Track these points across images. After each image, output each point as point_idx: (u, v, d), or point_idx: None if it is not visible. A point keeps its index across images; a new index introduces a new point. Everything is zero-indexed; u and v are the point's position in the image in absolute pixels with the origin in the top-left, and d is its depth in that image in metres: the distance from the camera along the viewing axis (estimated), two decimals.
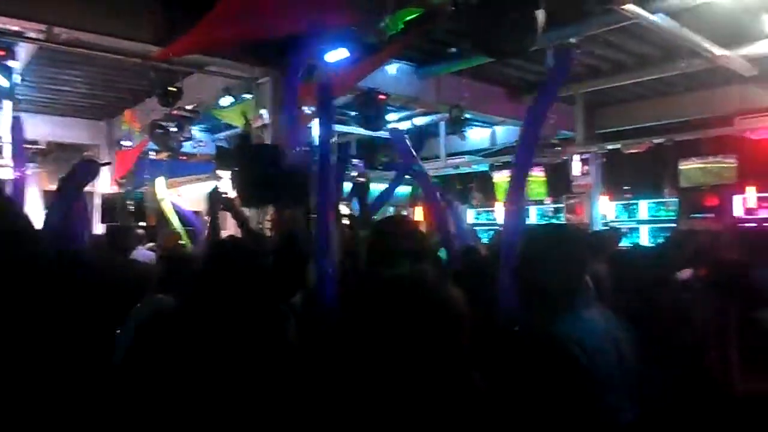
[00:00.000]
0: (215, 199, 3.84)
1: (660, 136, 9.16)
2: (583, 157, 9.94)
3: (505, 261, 2.25)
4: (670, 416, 1.93)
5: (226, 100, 7.57)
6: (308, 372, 2.12)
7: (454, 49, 7.07)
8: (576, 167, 9.97)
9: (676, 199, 10.57)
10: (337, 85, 6.13)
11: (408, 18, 5.37)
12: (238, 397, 1.75)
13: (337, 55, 5.75)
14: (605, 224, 10.02)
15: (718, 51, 6.54)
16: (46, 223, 2.51)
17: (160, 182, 7.78)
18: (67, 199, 2.38)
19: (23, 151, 3.45)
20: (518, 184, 2.43)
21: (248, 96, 7.42)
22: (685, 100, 9.10)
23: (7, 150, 8.76)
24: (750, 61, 7.08)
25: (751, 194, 9.35)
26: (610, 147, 9.65)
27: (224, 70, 7.33)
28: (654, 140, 9.12)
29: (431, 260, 3.17)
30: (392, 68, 7.55)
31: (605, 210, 10.68)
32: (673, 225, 9.87)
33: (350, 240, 3.56)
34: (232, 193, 5.24)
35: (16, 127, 3.23)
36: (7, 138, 9.00)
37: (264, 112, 6.88)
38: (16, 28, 5.82)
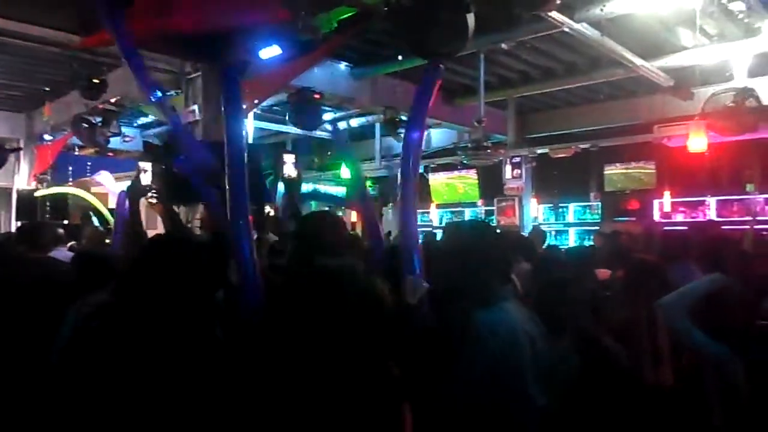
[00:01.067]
0: (136, 191, 3.69)
1: (586, 141, 9.54)
2: (514, 160, 10.22)
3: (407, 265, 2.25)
4: (580, 403, 2.00)
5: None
6: (235, 366, 2.09)
7: (389, 51, 7.11)
8: (507, 170, 10.24)
9: (600, 203, 11.06)
10: (270, 82, 6.05)
11: (342, 17, 5.37)
12: (171, 392, 1.69)
13: (270, 52, 5.66)
14: (534, 226, 10.35)
15: (638, 61, 6.87)
16: None
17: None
18: None
19: None
20: (407, 195, 2.41)
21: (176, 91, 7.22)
22: (609, 108, 9.51)
23: None
24: (667, 72, 7.48)
25: (667, 199, 9.90)
26: (539, 151, 9.96)
27: (154, 64, 7.08)
28: (580, 145, 9.48)
29: (359, 256, 3.18)
30: (327, 68, 7.53)
31: (535, 212, 11.04)
32: (597, 228, 10.32)
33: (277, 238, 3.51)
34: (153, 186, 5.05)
35: None
36: None
37: (195, 107, 6.69)
38: None
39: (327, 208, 11.87)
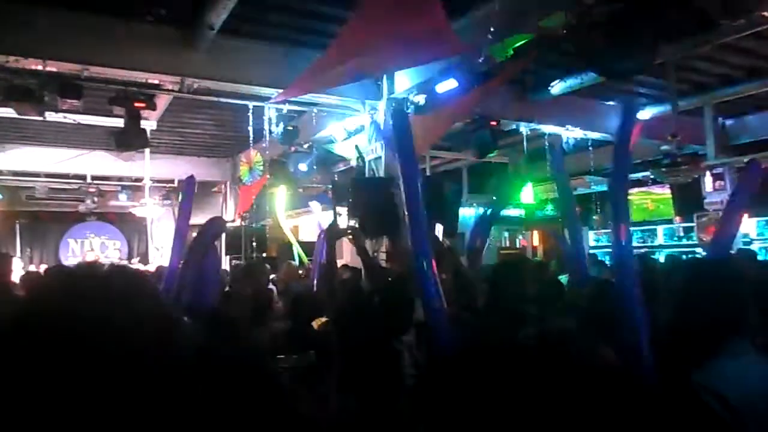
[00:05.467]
0: (334, 233, 3.93)
1: None
2: (716, 171, 9.16)
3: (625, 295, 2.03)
4: None
5: (340, 135, 7.84)
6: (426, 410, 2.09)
7: (565, 71, 6.84)
8: (708, 183, 9.20)
9: None
10: (450, 115, 6.14)
11: (517, 44, 5.28)
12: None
13: (447, 86, 5.76)
14: (746, 244, 9.13)
15: None
16: (182, 278, 2.68)
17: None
18: (200, 255, 2.53)
19: (190, 205, 3.42)
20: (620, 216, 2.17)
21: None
22: None
23: (147, 190, 9.65)
24: None
25: None
26: (746, 160, 8.81)
27: (338, 107, 7.59)
28: None
29: (555, 294, 3.03)
30: (503, 92, 7.44)
31: (746, 228, 9.74)
32: None
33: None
34: (346, 225, 5.37)
35: (189, 184, 3.35)
36: (147, 180, 9.94)
37: (378, 145, 7.02)
38: (155, 81, 6.43)
39: (506, 233, 11.64)
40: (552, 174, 4.27)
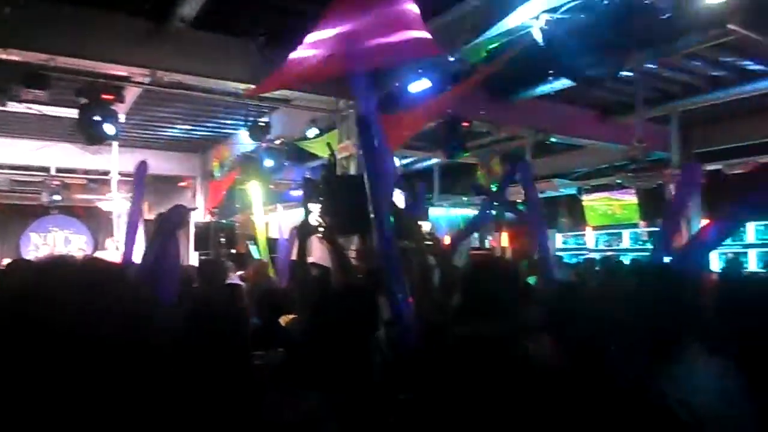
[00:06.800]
0: (305, 231, 3.90)
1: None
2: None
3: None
4: None
5: (311, 132, 7.80)
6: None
7: (537, 74, 6.93)
8: (672, 190, 9.42)
9: None
10: (422, 115, 6.17)
11: (492, 46, 5.34)
12: None
13: (420, 86, 5.78)
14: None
15: None
16: (143, 262, 2.64)
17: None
18: (162, 241, 2.50)
19: (143, 190, 3.71)
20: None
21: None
22: None
23: (115, 184, 9.45)
24: None
25: None
26: (709, 167, 9.06)
27: (310, 104, 7.56)
28: (761, 159, 8.49)
29: (524, 297, 3.07)
30: (476, 94, 7.51)
31: None
32: None
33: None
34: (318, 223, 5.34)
35: (141, 169, 3.44)
36: (115, 173, 9.73)
37: (349, 143, 7.01)
38: (124, 74, 6.29)
39: (476, 234, 11.71)
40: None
